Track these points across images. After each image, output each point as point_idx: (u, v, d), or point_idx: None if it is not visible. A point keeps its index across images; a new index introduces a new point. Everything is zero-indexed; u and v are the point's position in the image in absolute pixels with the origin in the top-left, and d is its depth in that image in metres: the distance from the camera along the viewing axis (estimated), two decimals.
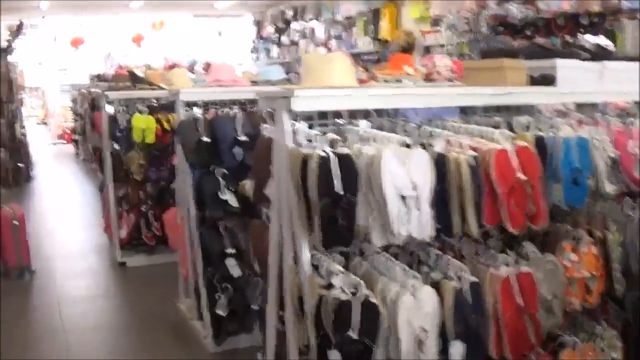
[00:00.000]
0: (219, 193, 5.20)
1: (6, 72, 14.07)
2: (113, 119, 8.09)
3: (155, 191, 8.29)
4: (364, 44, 15.61)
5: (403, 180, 3.03)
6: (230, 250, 5.31)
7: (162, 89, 8.08)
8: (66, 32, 25.03)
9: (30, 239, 8.08)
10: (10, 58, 15.56)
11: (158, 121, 7.69)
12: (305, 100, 3.19)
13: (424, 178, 3.06)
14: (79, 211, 12.12)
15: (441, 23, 12.53)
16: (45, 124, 27.31)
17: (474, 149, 3.22)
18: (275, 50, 21.21)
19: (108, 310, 7.05)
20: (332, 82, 3.40)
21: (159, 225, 8.08)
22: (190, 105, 5.62)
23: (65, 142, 22.90)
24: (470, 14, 11.53)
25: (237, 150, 5.21)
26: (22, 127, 16.40)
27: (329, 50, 17.41)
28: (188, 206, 5.65)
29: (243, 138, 5.15)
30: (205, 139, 5.20)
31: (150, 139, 7.65)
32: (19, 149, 14.63)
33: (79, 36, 24.63)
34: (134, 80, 8.21)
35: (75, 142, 19.91)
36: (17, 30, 15.39)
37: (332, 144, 3.15)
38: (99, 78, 16.70)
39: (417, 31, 13.61)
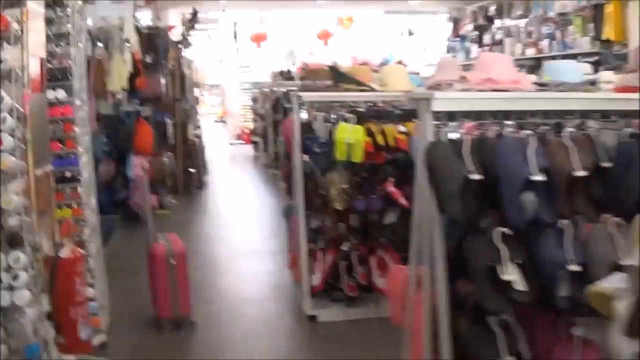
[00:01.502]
0: (498, 269, 3.11)
1: (177, 68, 12.58)
2: (307, 128, 6.20)
3: (361, 225, 6.30)
4: (582, 44, 13.62)
5: None
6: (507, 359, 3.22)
7: (373, 90, 6.17)
8: (247, 28, 23.96)
9: (192, 273, 6.24)
10: (187, 53, 14.17)
11: (369, 133, 5.73)
12: None
13: None
14: (257, 233, 10.22)
15: None
16: (223, 122, 26.60)
17: None
18: (475, 50, 19.36)
19: None
20: None
21: (365, 271, 6.12)
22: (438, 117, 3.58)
23: (243, 142, 21.77)
24: None
25: (529, 198, 3.14)
26: (197, 127, 14.99)
27: (539, 50, 15.54)
28: (433, 274, 3.59)
29: (538, 178, 3.08)
30: (475, 175, 3.14)
31: (358, 156, 5.70)
32: (190, 153, 13.14)
33: (261, 32, 23.44)
34: (337, 77, 6.24)
35: (255, 143, 18.60)
36: (191, 20, 13.91)
37: None
38: (284, 75, 15.16)
39: None
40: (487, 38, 18.97)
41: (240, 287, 7.49)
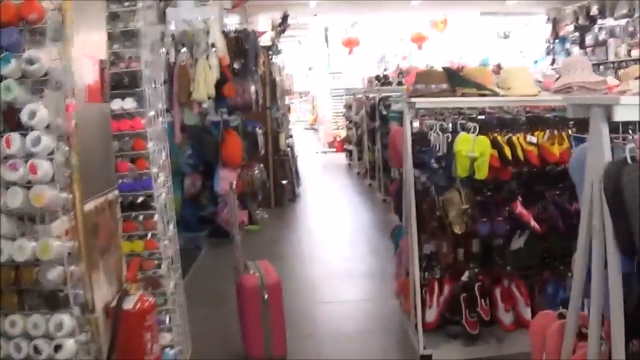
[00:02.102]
0: None
1: (267, 74, 11.87)
2: (419, 138, 5.33)
3: (484, 252, 5.40)
4: None
5: None
6: None
7: (496, 94, 5.28)
8: (338, 33, 23.15)
9: (284, 298, 5.35)
10: (277, 59, 13.46)
11: (495, 145, 4.85)
12: None
13: None
14: (353, 251, 9.25)
15: None
16: (313, 129, 26.03)
17: None
18: (576, 52, 18.33)
19: None
20: None
21: (487, 303, 5.20)
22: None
23: (335, 150, 20.98)
24: None
25: None
26: (289, 136, 14.25)
27: None
28: (605, 327, 2.72)
29: None
30: None
31: (483, 172, 4.82)
32: (283, 163, 12.43)
33: (353, 37, 22.57)
34: (454, 81, 5.32)
35: (348, 152, 17.83)
36: (282, 24, 13.17)
37: None
38: (381, 81, 14.35)
39: None
40: (589, 39, 18.13)
41: (339, 317, 6.62)
